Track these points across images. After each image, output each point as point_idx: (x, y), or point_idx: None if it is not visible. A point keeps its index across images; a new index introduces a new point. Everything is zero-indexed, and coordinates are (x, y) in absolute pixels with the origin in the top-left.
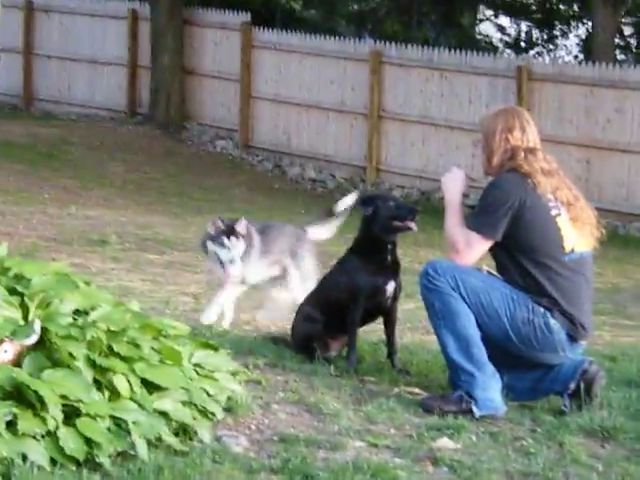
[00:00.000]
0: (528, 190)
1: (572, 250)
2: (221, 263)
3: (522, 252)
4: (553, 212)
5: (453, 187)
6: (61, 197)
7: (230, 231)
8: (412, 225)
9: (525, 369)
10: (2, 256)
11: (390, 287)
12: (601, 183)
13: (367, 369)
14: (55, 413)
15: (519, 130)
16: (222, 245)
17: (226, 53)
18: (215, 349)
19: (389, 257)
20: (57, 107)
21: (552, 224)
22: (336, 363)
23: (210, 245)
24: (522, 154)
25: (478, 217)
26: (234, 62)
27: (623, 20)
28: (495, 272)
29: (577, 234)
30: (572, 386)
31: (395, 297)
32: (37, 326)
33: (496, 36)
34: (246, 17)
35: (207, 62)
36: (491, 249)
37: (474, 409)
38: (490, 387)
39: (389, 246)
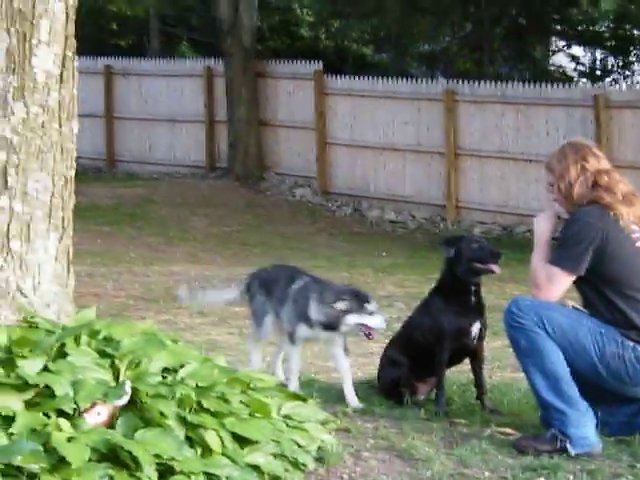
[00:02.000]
0: (610, 222)
1: None
2: (366, 331)
3: (608, 285)
4: (638, 243)
5: (543, 224)
6: (146, 255)
7: (364, 298)
8: (495, 268)
9: (619, 404)
10: (92, 319)
11: (475, 328)
12: None
13: (457, 411)
14: (150, 473)
15: (592, 156)
16: (371, 313)
17: (300, 102)
18: (304, 399)
19: (473, 298)
20: (139, 167)
21: (637, 256)
22: (425, 406)
23: (353, 319)
24: (604, 177)
25: (559, 252)
26: (308, 110)
27: None
28: (580, 307)
29: None
30: None
31: (481, 337)
32: (128, 387)
33: (570, 66)
34: (318, 66)
35: (282, 112)
36: (575, 283)
37: (569, 447)
38: (584, 424)
39: (473, 288)
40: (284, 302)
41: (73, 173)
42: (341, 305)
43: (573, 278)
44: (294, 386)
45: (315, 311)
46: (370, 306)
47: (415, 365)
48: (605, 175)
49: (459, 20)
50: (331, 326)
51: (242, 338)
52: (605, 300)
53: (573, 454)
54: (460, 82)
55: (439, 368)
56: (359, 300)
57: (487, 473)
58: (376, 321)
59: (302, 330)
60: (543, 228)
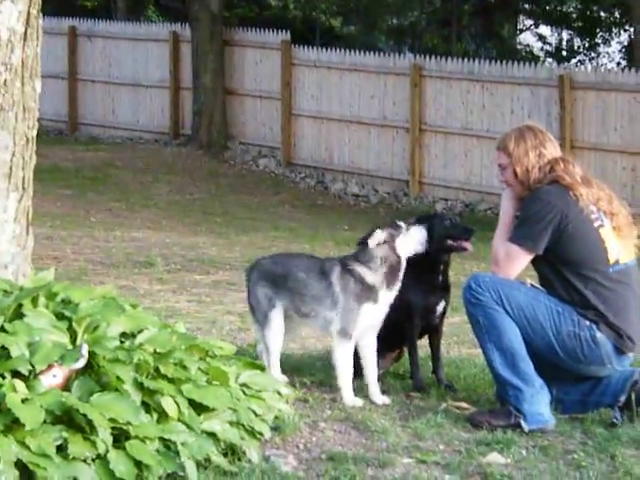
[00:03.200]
0: (570, 203)
1: (617, 261)
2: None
3: (566, 265)
4: (596, 224)
5: (507, 201)
6: (107, 220)
7: (390, 221)
8: (467, 245)
9: (573, 382)
10: (50, 281)
11: (440, 307)
12: None
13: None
14: (105, 436)
15: (549, 143)
16: (407, 229)
17: (267, 72)
18: (262, 369)
19: (441, 277)
20: (102, 131)
21: (595, 236)
22: (383, 379)
23: (403, 242)
24: (561, 164)
25: (519, 229)
26: (275, 81)
27: None
28: (539, 285)
29: (621, 244)
30: (622, 398)
31: (443, 315)
32: (85, 350)
33: (537, 46)
34: (286, 36)
35: (248, 82)
36: (534, 262)
37: (523, 423)
38: (538, 401)
39: (441, 266)
40: (322, 299)
41: (35, 133)
42: (380, 235)
43: (531, 256)
44: (351, 398)
45: (370, 274)
46: (401, 223)
47: (379, 339)
48: (561, 162)
49: None
50: (395, 268)
51: (201, 305)
52: (563, 280)
53: (527, 430)
54: (427, 57)
55: (411, 344)
56: (390, 224)
57: (442, 446)
58: (418, 234)
59: (366, 312)
60: (507, 205)
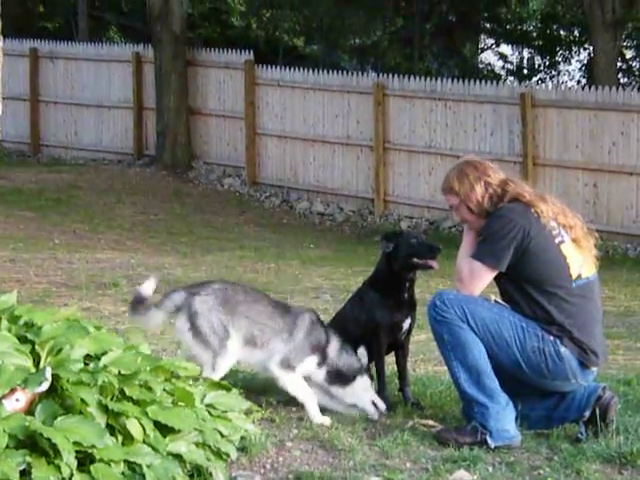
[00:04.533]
0: (532, 220)
1: (579, 276)
2: None
3: (529, 283)
4: (557, 240)
5: (468, 230)
6: (71, 242)
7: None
8: (433, 263)
9: (538, 398)
10: (12, 304)
11: (405, 324)
12: (609, 206)
13: None
14: (69, 460)
15: (491, 170)
16: None
17: (230, 92)
18: (227, 389)
19: (406, 294)
20: (64, 152)
21: (557, 253)
22: None
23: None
24: (511, 185)
25: (482, 247)
26: (239, 100)
27: (624, 44)
28: (502, 301)
29: (582, 258)
30: (587, 413)
31: (409, 332)
32: (48, 373)
33: (498, 64)
34: (249, 56)
35: (212, 101)
36: (497, 279)
37: (489, 440)
38: (504, 417)
39: (407, 284)
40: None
41: None
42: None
43: (495, 273)
44: (319, 416)
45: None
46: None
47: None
48: (511, 183)
49: (390, 15)
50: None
51: (166, 326)
52: (526, 296)
53: (493, 446)
54: (390, 76)
55: (379, 362)
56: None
57: (408, 464)
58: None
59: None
60: (468, 232)
